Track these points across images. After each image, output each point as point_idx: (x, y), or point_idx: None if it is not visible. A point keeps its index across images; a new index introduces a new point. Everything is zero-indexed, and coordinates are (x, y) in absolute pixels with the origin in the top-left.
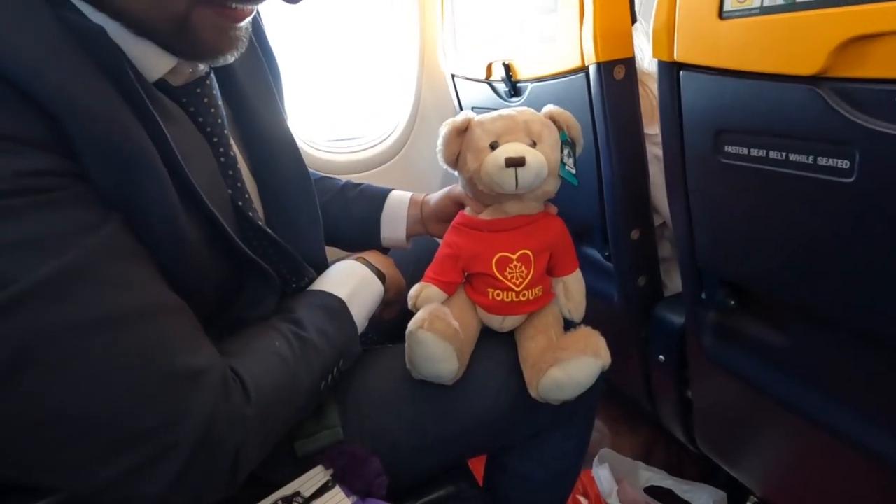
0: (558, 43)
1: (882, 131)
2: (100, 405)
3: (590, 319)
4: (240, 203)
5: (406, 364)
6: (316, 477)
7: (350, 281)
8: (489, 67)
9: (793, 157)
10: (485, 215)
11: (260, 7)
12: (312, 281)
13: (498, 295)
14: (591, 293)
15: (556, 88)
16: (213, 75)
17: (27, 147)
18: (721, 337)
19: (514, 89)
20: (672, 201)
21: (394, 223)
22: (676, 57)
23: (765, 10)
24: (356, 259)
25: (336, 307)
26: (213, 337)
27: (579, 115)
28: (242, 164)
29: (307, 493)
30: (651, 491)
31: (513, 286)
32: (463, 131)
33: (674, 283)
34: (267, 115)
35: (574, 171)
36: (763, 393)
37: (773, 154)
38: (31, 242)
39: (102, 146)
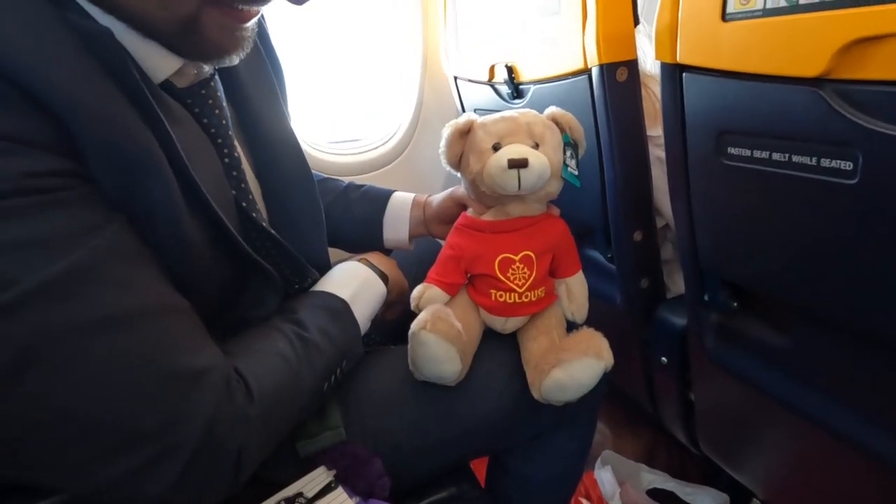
0: (561, 45)
1: (885, 133)
2: (102, 405)
3: (592, 321)
4: (243, 204)
5: (409, 365)
6: (319, 478)
7: (353, 282)
8: (492, 69)
9: (795, 158)
10: (487, 217)
11: (265, 8)
12: (315, 282)
13: (500, 296)
14: (593, 295)
15: (559, 90)
16: (217, 77)
17: (32, 148)
18: (723, 338)
19: (517, 91)
20: (674, 203)
21: (396, 224)
22: (679, 59)
23: (767, 12)
24: (359, 260)
25: (339, 308)
26: (215, 337)
27: (582, 117)
28: (246, 166)
29: (310, 494)
30: (653, 493)
31: (515, 287)
32: (465, 133)
33: (676, 284)
34: (270, 116)
35: (576, 173)
36: (765, 394)
37: (775, 156)
38: (35, 243)
39: (107, 147)
